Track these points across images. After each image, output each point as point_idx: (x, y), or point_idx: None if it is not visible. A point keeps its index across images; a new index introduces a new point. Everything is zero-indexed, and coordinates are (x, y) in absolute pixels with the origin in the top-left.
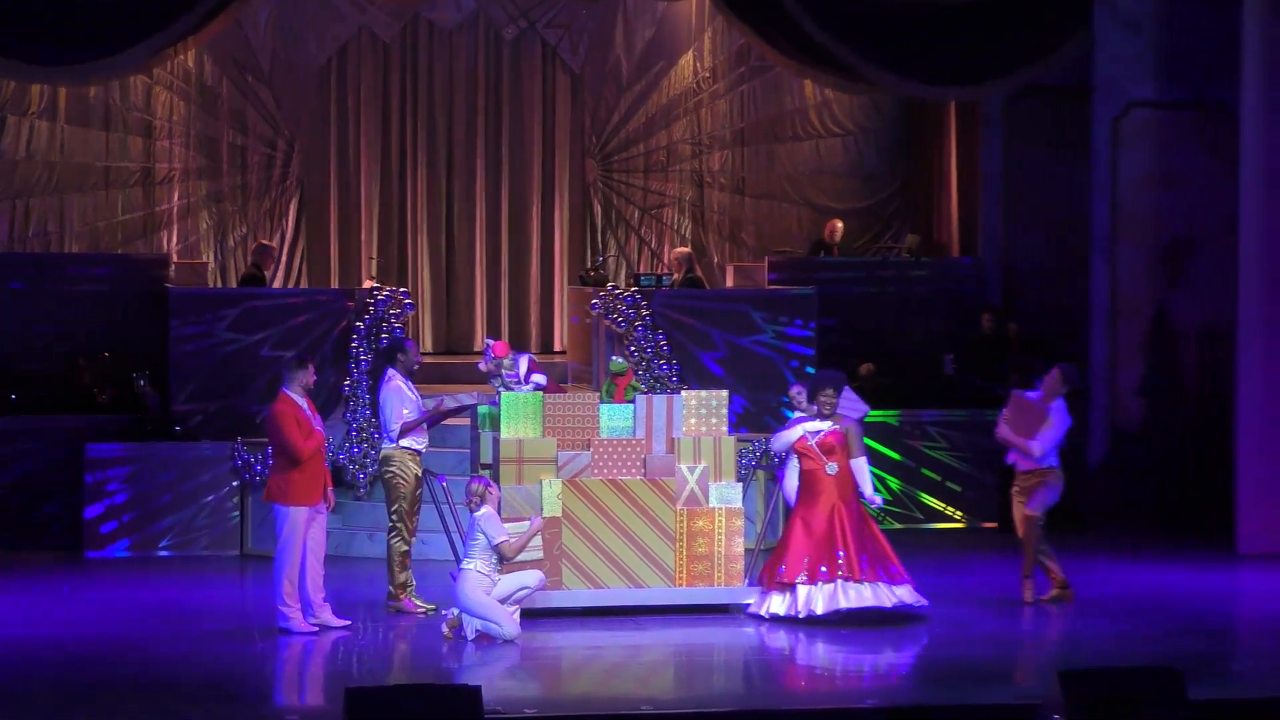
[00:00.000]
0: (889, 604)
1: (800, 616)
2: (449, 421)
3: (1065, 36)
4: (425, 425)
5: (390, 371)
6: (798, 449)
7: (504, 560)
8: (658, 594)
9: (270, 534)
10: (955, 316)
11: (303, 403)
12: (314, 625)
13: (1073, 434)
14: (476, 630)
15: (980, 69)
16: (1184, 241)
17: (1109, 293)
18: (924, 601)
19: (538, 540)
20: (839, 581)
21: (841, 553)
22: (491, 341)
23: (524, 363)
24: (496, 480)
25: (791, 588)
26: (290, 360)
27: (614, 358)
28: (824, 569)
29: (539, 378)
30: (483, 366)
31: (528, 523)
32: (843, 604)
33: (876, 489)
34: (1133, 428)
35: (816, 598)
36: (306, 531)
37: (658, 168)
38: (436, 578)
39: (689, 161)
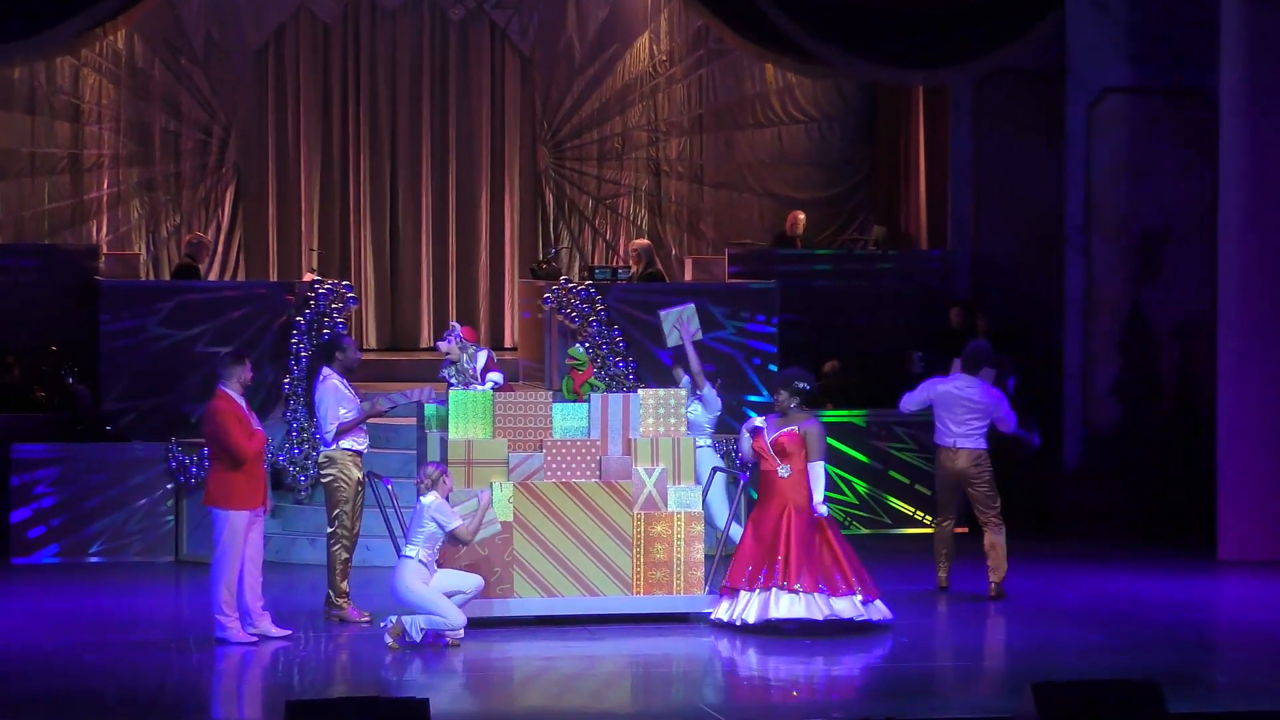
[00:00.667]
0: (819, 616)
1: (737, 624)
2: (393, 421)
3: (1036, 18)
4: (364, 425)
5: (326, 370)
6: (755, 449)
7: (462, 544)
8: (614, 602)
9: (207, 539)
10: (923, 311)
11: (241, 401)
12: (253, 635)
13: (1045, 436)
14: (421, 629)
15: (947, 51)
16: (1159, 234)
17: (1083, 287)
18: (864, 614)
19: (491, 513)
20: (773, 590)
21: (780, 560)
22: (458, 325)
23: (482, 358)
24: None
25: (735, 593)
26: (226, 356)
27: (575, 347)
28: (762, 575)
29: (495, 376)
30: (444, 346)
31: (474, 501)
32: (773, 613)
33: (840, 493)
34: (1108, 429)
35: (752, 605)
36: (246, 537)
37: (612, 155)
38: (381, 585)
39: (645, 149)
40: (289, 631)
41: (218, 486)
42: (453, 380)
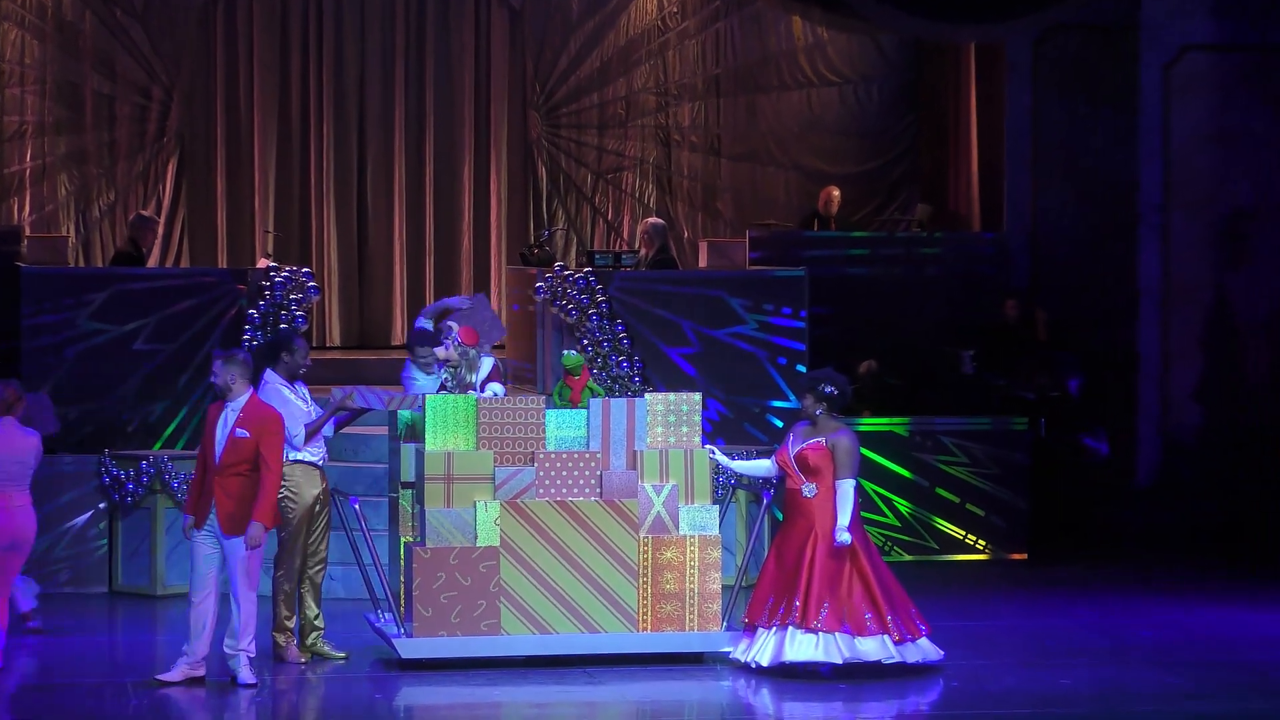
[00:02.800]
0: (839, 659)
1: (752, 665)
2: (361, 430)
3: None
4: (332, 425)
5: (268, 374)
6: (778, 462)
7: None
8: (617, 640)
9: (139, 568)
10: (975, 303)
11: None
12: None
13: (1116, 446)
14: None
15: (1002, 2)
16: (1248, 212)
17: (1159, 274)
18: (896, 656)
19: None
20: (790, 628)
21: (800, 594)
22: (455, 325)
23: (486, 365)
24: (421, 500)
25: (754, 630)
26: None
27: (567, 351)
28: (780, 611)
29: (496, 387)
30: (440, 351)
31: None
32: (788, 655)
33: (880, 514)
34: (1188, 437)
35: (767, 645)
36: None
37: (615, 123)
38: (347, 619)
39: (653, 115)
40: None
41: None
42: (449, 387)
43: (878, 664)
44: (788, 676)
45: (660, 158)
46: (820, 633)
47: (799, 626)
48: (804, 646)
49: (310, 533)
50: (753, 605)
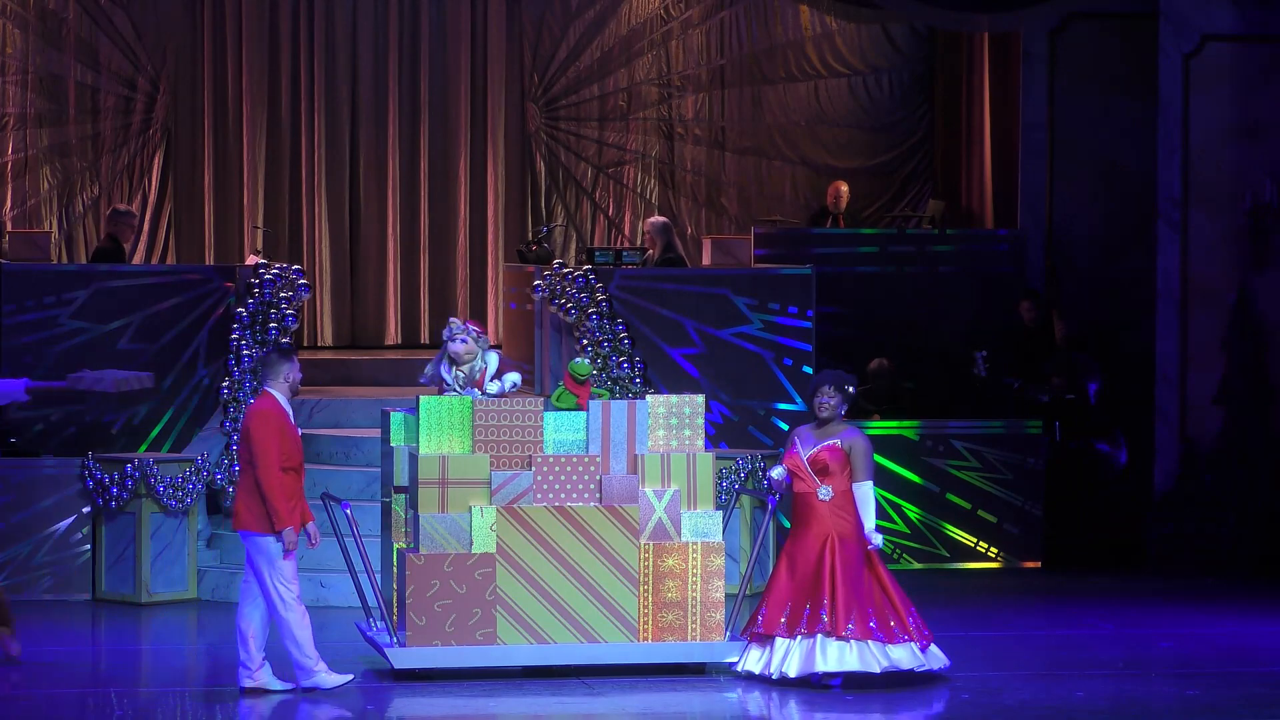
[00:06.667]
0: (876, 669)
1: (774, 677)
2: (354, 433)
3: None
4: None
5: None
6: (788, 466)
7: None
8: (617, 650)
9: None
10: (988, 302)
11: (288, 406)
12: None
13: (1134, 452)
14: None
15: None
16: (1272, 208)
17: (1179, 273)
18: (925, 663)
19: None
20: (819, 637)
21: (825, 601)
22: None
23: (493, 360)
24: (414, 505)
25: (769, 641)
26: (271, 352)
27: (578, 359)
28: (805, 620)
29: (514, 377)
30: (463, 348)
31: None
32: (819, 666)
33: (889, 520)
34: (1208, 443)
35: (793, 655)
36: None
37: (616, 115)
38: (340, 629)
39: (655, 107)
40: (291, 686)
41: (254, 506)
42: (456, 387)
43: (910, 672)
44: (797, 687)
45: (663, 151)
46: (852, 641)
47: (829, 635)
48: (836, 656)
49: None
50: (768, 615)
